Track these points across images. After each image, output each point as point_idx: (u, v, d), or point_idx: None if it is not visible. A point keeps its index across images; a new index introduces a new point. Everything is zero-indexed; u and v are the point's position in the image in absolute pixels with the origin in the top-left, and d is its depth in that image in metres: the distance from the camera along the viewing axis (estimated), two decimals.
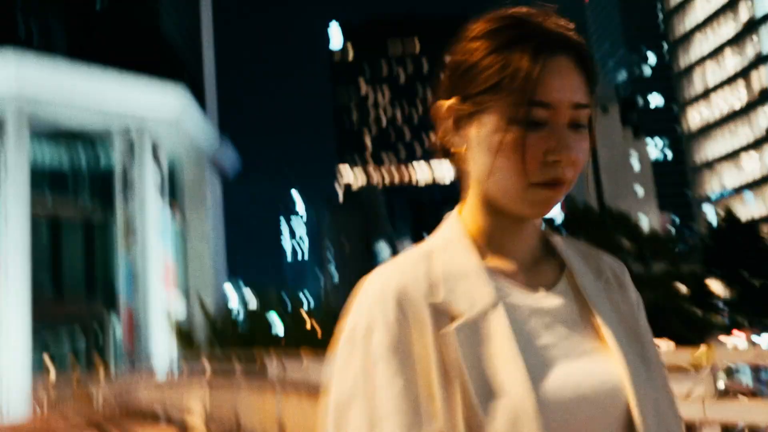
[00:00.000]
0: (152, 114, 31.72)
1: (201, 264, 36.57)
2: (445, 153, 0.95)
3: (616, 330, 0.90)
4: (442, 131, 0.93)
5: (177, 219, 35.48)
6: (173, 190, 35.02)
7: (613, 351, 0.88)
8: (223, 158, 41.21)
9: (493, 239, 0.93)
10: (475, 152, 0.89)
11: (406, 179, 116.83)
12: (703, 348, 4.42)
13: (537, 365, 0.83)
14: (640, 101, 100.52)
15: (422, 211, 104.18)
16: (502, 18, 0.90)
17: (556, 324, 0.88)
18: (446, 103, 0.92)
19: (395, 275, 0.87)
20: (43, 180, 30.03)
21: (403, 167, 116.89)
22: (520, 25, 0.88)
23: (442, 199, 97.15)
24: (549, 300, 0.90)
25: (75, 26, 38.98)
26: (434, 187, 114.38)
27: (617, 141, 69.02)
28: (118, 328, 31.02)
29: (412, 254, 0.91)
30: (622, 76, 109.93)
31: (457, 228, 0.93)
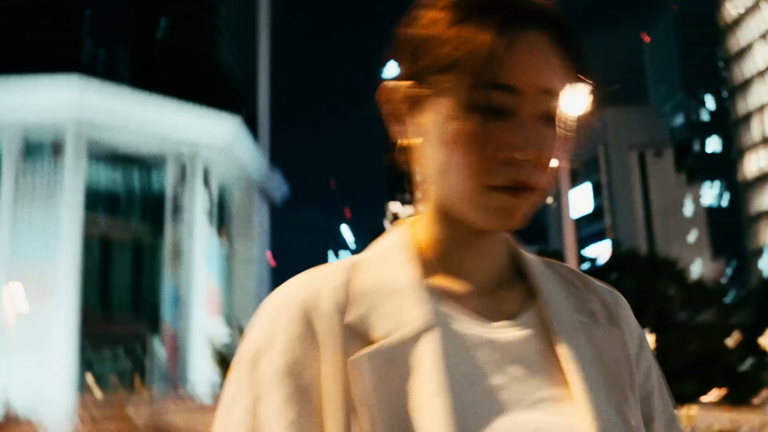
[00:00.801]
0: (205, 141, 32.51)
1: (245, 290, 37.03)
2: (394, 147, 0.79)
3: (589, 374, 0.71)
4: (392, 119, 0.77)
5: (224, 244, 36.08)
6: (222, 216, 35.68)
7: (580, 401, 0.69)
8: (272, 186, 41.85)
9: (445, 254, 0.76)
10: (428, 146, 0.73)
11: None
12: (684, 409, 4.41)
13: (470, 411, 0.66)
14: (697, 146, 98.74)
15: None
16: None
17: (510, 362, 0.71)
18: (396, 84, 0.76)
19: (305, 286, 0.72)
20: (97, 201, 30.93)
21: None
22: None
23: None
24: (506, 332, 0.72)
25: (137, 54, 40.34)
26: None
27: (671, 185, 67.82)
28: (160, 351, 31.52)
29: (333, 264, 0.75)
30: (679, 120, 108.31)
31: (401, 238, 0.77)
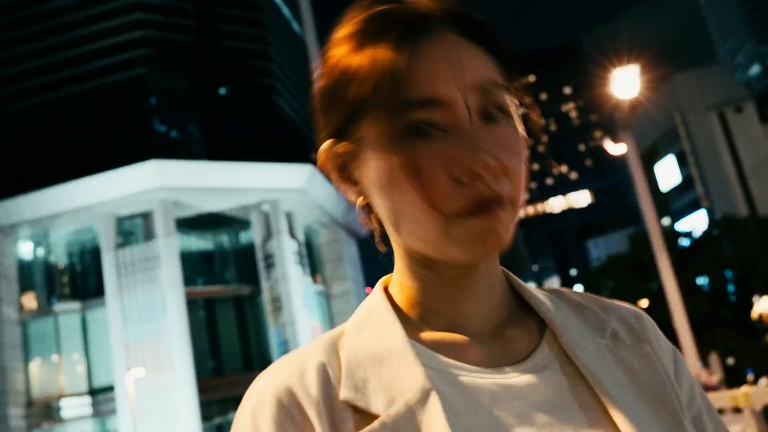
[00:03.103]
0: (282, 192, 33.44)
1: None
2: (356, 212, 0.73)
3: (629, 401, 0.63)
4: (336, 182, 0.70)
5: (319, 284, 36.71)
6: (312, 258, 36.41)
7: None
8: (354, 220, 42.29)
9: (434, 304, 0.68)
10: (377, 197, 0.65)
11: (540, 210, 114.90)
12: (743, 388, 4.24)
13: None
14: None
15: (561, 242, 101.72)
16: (357, 17, 0.66)
17: (534, 409, 0.62)
18: (325, 146, 0.69)
19: (282, 371, 0.66)
20: (192, 268, 32.12)
21: (538, 203, 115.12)
22: (380, 16, 0.65)
23: (579, 226, 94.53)
24: (521, 378, 0.64)
25: (204, 127, 41.99)
26: (570, 212, 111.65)
27: (759, 140, 64.90)
28: None
29: (318, 340, 0.69)
30: (754, 70, 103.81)
31: (379, 299, 0.70)
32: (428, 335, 0.67)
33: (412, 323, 0.68)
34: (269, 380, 0.66)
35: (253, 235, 33.64)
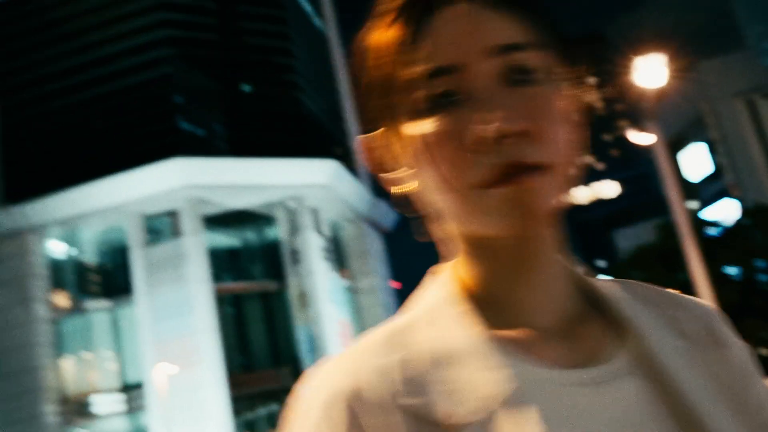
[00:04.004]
0: (307, 188, 33.55)
1: (375, 319, 37.50)
2: (405, 200, 0.67)
3: (721, 414, 0.57)
4: (379, 172, 0.68)
5: (346, 279, 36.79)
6: (338, 253, 36.47)
7: None
8: (379, 215, 42.39)
9: (497, 296, 0.62)
10: (417, 180, 0.63)
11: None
12: None
13: None
14: None
15: (587, 232, 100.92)
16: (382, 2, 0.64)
17: (625, 420, 0.56)
18: (362, 139, 0.68)
19: (346, 372, 0.59)
20: (220, 265, 32.32)
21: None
22: None
23: (605, 217, 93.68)
24: (606, 386, 0.57)
25: (229, 124, 42.26)
26: (596, 203, 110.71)
27: None
28: None
29: (376, 336, 0.62)
30: None
31: (447, 287, 0.64)
32: (496, 331, 0.60)
33: (483, 315, 0.61)
34: (324, 383, 0.59)
35: (279, 231, 33.76)
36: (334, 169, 35.16)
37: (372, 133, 0.66)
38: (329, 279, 33.80)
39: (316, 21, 50.49)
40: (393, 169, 0.66)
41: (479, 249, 0.61)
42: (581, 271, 0.67)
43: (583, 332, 0.62)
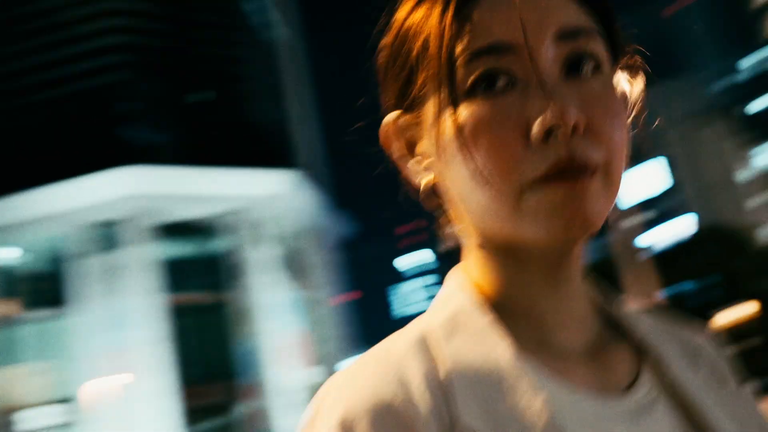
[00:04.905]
0: (262, 197, 33.22)
1: (331, 330, 37.24)
2: (420, 194, 0.58)
3: None
4: (400, 161, 0.58)
5: (301, 289, 36.41)
6: (294, 263, 36.13)
7: None
8: (337, 226, 42.23)
9: (516, 309, 0.55)
10: (441, 175, 0.54)
11: None
12: None
13: None
14: (749, 106, 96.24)
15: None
16: None
17: None
18: (384, 123, 0.59)
19: (367, 389, 0.49)
20: (168, 275, 31.62)
21: None
22: None
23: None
24: (641, 418, 0.51)
25: (178, 133, 41.60)
26: None
27: (727, 152, 65.83)
28: (252, 406, 31.66)
29: (394, 347, 0.52)
30: (724, 83, 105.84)
31: (468, 295, 0.55)
32: (526, 346, 0.53)
33: (504, 329, 0.54)
34: (361, 391, 0.49)
35: (230, 241, 33.21)
36: (288, 179, 34.95)
37: (396, 113, 0.59)
38: (282, 291, 33.39)
39: (273, 31, 50.22)
40: (406, 158, 0.59)
41: (510, 253, 0.54)
42: (598, 291, 0.61)
43: (606, 356, 0.56)
